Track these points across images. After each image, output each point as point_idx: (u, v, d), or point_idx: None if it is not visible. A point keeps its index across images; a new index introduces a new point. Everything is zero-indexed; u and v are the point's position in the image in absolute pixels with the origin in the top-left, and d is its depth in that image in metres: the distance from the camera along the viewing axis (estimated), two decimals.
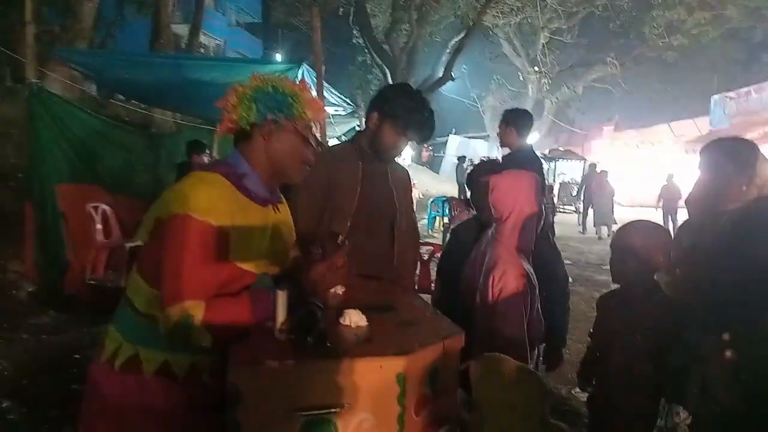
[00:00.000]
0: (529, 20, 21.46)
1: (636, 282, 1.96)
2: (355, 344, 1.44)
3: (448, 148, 28.94)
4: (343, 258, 1.58)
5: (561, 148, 23.63)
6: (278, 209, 1.70)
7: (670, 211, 13.38)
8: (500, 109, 27.80)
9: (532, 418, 1.78)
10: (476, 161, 3.19)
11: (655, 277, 2.01)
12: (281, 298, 1.42)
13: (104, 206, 6.32)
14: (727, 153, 2.05)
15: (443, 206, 12.03)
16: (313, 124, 1.69)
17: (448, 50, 20.19)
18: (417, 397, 1.41)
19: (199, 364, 1.55)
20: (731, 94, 16.76)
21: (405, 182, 2.56)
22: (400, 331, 1.56)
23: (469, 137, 29.78)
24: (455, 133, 29.80)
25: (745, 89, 15.98)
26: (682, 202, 15.70)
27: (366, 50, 20.24)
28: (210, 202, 1.47)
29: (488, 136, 26.97)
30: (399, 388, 1.36)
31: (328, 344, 1.39)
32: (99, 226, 6.20)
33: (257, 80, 1.59)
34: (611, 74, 24.00)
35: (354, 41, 22.76)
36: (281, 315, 1.42)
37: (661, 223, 14.37)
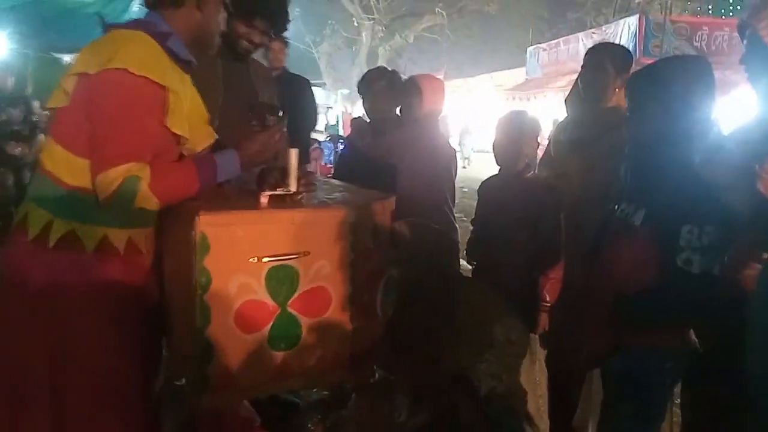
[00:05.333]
0: None
1: (513, 162, 2.28)
2: (309, 201, 1.53)
3: None
4: (280, 130, 1.61)
5: None
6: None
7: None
8: (335, 57, 27.68)
9: (446, 268, 2.01)
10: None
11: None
12: (294, 155, 1.49)
13: None
14: (611, 56, 2.39)
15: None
16: None
17: None
18: (364, 248, 1.55)
19: (136, 238, 1.50)
20: (544, 45, 18.56)
21: (269, 79, 2.44)
22: (341, 195, 1.68)
23: None
24: None
25: (555, 41, 17.78)
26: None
27: None
28: (146, 57, 1.39)
29: (325, 84, 26.91)
30: (351, 238, 1.49)
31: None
32: None
33: None
34: (439, 24, 25.13)
35: None
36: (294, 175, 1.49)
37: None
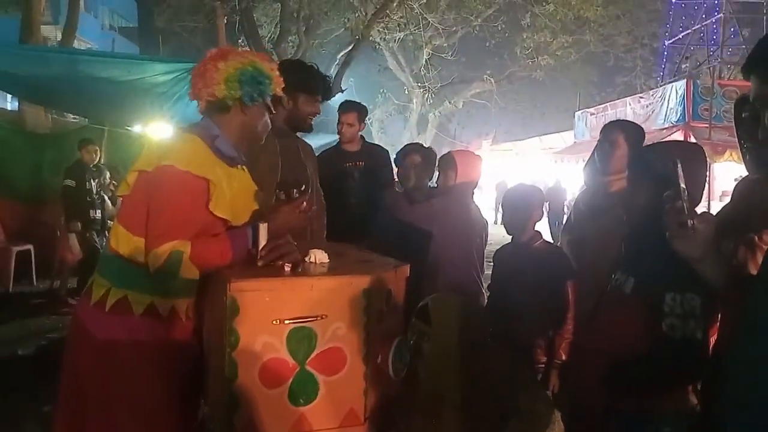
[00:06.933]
0: (413, 37, 22.53)
1: (522, 230, 2.44)
2: (327, 270, 1.72)
3: None
4: (304, 203, 1.84)
5: None
6: (243, 170, 1.93)
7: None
8: (387, 122, 28.47)
9: (472, 338, 2.13)
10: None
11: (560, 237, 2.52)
12: (263, 229, 1.67)
13: None
14: (624, 131, 2.56)
15: None
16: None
17: (336, 62, 20.61)
18: (377, 311, 1.71)
19: (178, 306, 1.75)
20: (591, 110, 18.73)
21: (313, 158, 2.79)
22: (358, 263, 1.87)
23: None
24: None
25: (602, 106, 17.97)
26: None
27: None
28: (190, 156, 1.68)
29: None
30: (365, 302, 1.66)
31: (300, 271, 1.67)
32: None
33: (238, 60, 1.77)
34: (488, 90, 25.71)
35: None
36: (263, 243, 1.67)
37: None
